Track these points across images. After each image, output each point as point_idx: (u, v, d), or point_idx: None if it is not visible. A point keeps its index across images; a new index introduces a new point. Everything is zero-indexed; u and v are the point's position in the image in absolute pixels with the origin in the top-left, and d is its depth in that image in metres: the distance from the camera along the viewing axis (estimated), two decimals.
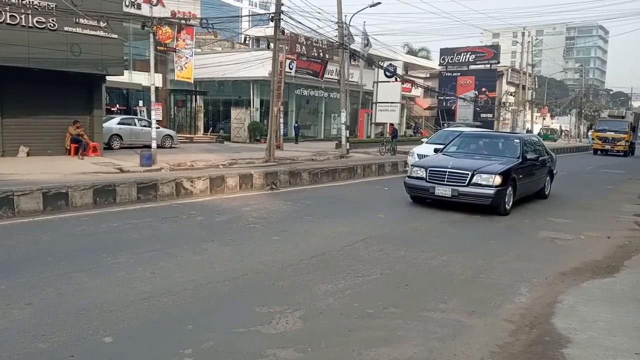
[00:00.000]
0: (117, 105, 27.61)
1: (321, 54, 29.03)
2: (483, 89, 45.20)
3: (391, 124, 32.23)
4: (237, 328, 4.28)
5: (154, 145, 15.50)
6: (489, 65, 46.35)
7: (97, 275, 5.54)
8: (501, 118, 47.68)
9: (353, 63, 30.33)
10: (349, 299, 5.05)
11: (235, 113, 30.06)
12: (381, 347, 4.00)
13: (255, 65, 28.31)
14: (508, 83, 49.72)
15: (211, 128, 32.32)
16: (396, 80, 31.01)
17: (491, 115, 45.19)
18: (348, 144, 22.45)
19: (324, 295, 5.14)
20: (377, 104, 32.46)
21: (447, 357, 3.90)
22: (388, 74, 30.25)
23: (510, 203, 9.97)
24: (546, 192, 12.20)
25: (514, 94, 49.00)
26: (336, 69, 31.66)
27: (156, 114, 21.20)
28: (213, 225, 8.34)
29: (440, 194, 9.77)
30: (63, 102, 16.81)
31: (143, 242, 7.00)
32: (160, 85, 27.98)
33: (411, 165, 11.11)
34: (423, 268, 6.23)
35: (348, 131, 22.87)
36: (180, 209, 9.52)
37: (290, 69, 29.24)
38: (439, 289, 5.45)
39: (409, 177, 10.58)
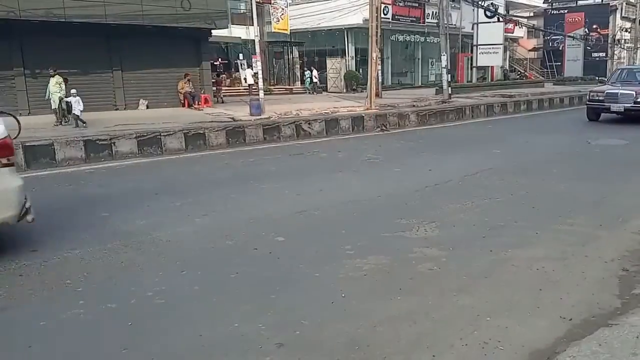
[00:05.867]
0: (220, 60, 28.87)
1: None
2: (594, 26, 41.48)
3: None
4: (383, 233, 4.96)
5: (261, 94, 16.33)
6: (600, 0, 42.31)
7: (251, 196, 6.49)
8: (615, 57, 43.74)
9: (452, 4, 29.24)
10: (479, 215, 5.54)
11: (331, 63, 30.36)
12: (515, 249, 4.49)
13: (350, 12, 28.21)
14: (623, 18, 45.07)
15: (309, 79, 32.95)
16: (498, 20, 29.52)
17: (604, 54, 41.63)
18: (450, 88, 22.10)
19: (453, 212, 5.67)
20: (478, 47, 31.21)
21: (579, 257, 4.31)
22: (489, 14, 28.84)
23: None
24: None
25: (629, 30, 44.50)
26: (433, 12, 30.76)
27: (255, 66, 22.15)
28: (336, 160, 9.09)
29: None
30: (174, 57, 17.97)
31: (281, 173, 7.92)
32: (258, 38, 28.84)
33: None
34: (547, 193, 6.52)
35: (449, 75, 22.43)
36: (303, 147, 10.39)
37: (385, 14, 28.84)
38: (564, 208, 5.75)
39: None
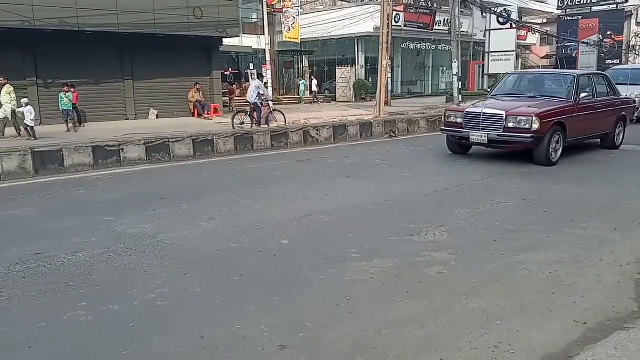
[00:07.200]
0: (230, 70, 29.05)
1: (429, 3, 28.28)
2: (608, 32, 41.10)
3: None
4: (391, 237, 4.86)
5: (270, 104, 16.38)
6: (615, 5, 41.96)
7: (258, 201, 6.42)
8: (630, 64, 43.30)
9: (463, 11, 29.19)
10: (490, 219, 5.42)
11: (340, 72, 30.38)
12: (528, 253, 4.36)
13: (360, 20, 28.26)
14: (638, 24, 44.75)
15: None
16: (511, 26, 29.40)
17: (618, 61, 41.19)
18: (460, 96, 22.00)
19: (463, 216, 5.55)
20: (490, 54, 31.05)
21: (594, 261, 4.17)
22: (502, 20, 28.73)
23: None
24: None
25: None
26: (444, 19, 30.70)
27: (265, 75, 22.29)
28: (344, 165, 9.01)
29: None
30: (185, 66, 18.15)
31: (287, 178, 7.86)
32: (269, 47, 29.02)
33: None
34: (559, 197, 6.38)
35: (460, 82, 22.35)
36: (311, 154, 10.33)
37: (397, 21, 28.84)
38: (578, 212, 5.62)
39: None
